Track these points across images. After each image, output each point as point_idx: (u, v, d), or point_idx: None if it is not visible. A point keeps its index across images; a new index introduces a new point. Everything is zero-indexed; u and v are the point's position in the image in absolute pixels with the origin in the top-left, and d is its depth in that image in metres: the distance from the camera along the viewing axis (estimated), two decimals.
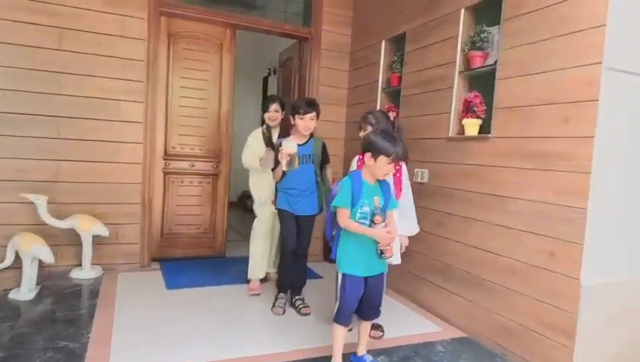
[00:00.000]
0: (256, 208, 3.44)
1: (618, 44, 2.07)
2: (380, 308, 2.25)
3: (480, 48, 2.84)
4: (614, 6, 2.03)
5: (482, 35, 2.82)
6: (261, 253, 3.41)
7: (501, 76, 2.62)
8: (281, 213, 3.01)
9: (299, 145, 2.84)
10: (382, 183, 2.13)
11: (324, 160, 3.06)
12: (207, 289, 3.37)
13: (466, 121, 2.88)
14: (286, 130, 3.24)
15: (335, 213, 2.12)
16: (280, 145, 2.78)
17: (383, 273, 2.22)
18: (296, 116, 2.87)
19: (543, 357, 2.26)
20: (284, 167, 2.77)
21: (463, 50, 2.96)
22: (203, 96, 4.15)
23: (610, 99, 2.07)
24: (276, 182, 3.02)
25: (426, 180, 3.21)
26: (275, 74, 6.92)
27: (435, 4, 3.21)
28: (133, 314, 2.77)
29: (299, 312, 2.96)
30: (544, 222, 2.30)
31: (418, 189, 3.13)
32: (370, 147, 2.03)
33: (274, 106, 3.35)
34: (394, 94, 3.77)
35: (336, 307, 2.17)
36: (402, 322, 2.91)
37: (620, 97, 2.11)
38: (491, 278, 2.62)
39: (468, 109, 2.88)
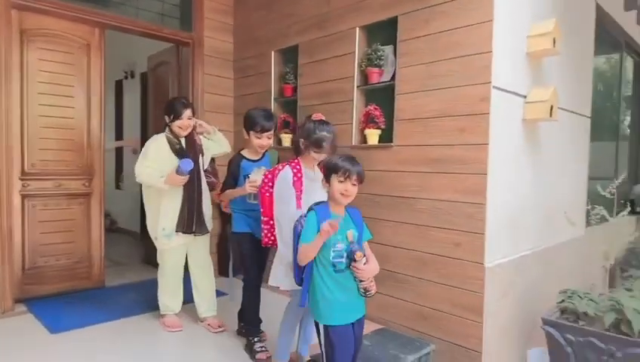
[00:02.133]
0: (160, 241, 2.88)
1: (501, 68, 2.54)
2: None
3: (376, 65, 3.12)
4: (497, 35, 2.48)
5: (378, 53, 3.11)
6: (174, 287, 2.99)
7: (400, 91, 2.93)
8: (240, 238, 2.69)
9: (254, 160, 2.68)
10: (351, 212, 1.96)
11: None
12: (103, 326, 2.94)
13: (367, 131, 3.13)
14: (192, 141, 2.93)
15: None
16: (247, 175, 2.57)
17: (364, 316, 1.97)
18: (252, 133, 2.62)
19: (457, 335, 2.62)
20: (251, 198, 2.59)
21: (360, 65, 3.21)
22: (68, 103, 3.59)
23: (497, 112, 2.53)
24: (222, 203, 2.79)
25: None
26: (132, 77, 6.33)
27: (329, 21, 3.39)
28: None
29: (255, 356, 2.53)
30: (448, 217, 2.67)
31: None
32: (325, 172, 1.93)
33: (188, 113, 2.88)
34: (288, 104, 3.84)
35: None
36: None
37: (503, 111, 2.59)
38: (403, 271, 2.91)
39: (368, 120, 3.14)
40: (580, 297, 2.65)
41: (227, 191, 2.71)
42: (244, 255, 2.70)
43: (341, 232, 1.83)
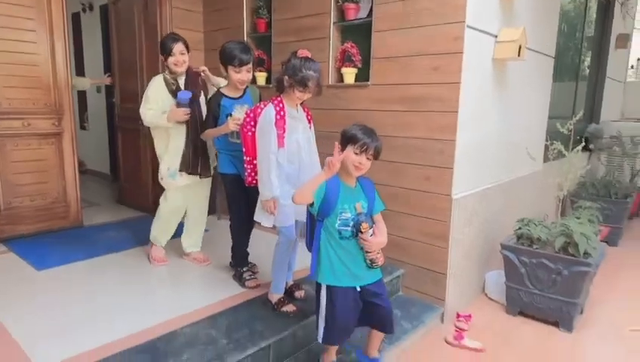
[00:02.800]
0: (165, 181, 2.86)
1: (475, 7, 2.60)
2: (393, 324, 1.95)
3: (353, 1, 3.10)
4: None
5: None
6: (171, 227, 3.02)
7: (377, 29, 2.95)
8: (226, 178, 2.66)
9: (235, 98, 2.58)
10: (364, 183, 1.91)
11: None
12: (89, 262, 3.02)
13: (344, 70, 3.17)
14: (193, 79, 2.86)
15: (313, 219, 1.90)
16: (229, 114, 2.47)
17: (380, 279, 1.94)
18: (230, 67, 2.50)
19: (426, 260, 2.88)
20: (234, 137, 2.50)
21: (336, 0, 3.17)
22: (30, 38, 3.40)
23: (470, 51, 2.62)
24: (204, 140, 2.73)
25: None
26: (91, 10, 5.94)
27: None
28: (17, 307, 2.35)
29: (243, 283, 2.66)
30: (420, 154, 2.83)
31: None
32: (342, 140, 1.84)
33: (179, 47, 2.75)
34: (262, 41, 3.78)
35: (321, 326, 1.88)
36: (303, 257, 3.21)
37: (475, 50, 2.69)
38: None
39: (345, 59, 3.16)
40: (535, 224, 2.94)
41: (208, 130, 2.63)
42: (230, 195, 2.69)
43: (348, 201, 1.81)
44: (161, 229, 3.02)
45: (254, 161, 2.29)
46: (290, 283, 2.55)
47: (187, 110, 2.71)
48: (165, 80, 2.79)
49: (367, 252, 1.83)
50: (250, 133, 2.27)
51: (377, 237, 1.84)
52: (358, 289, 1.86)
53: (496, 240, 3.13)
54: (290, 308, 2.32)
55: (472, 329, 2.63)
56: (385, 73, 2.95)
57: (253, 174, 2.33)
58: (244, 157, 2.34)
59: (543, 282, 2.77)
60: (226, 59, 2.50)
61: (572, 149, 3.17)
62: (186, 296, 2.57)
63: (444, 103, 2.68)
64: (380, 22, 2.94)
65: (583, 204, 3.56)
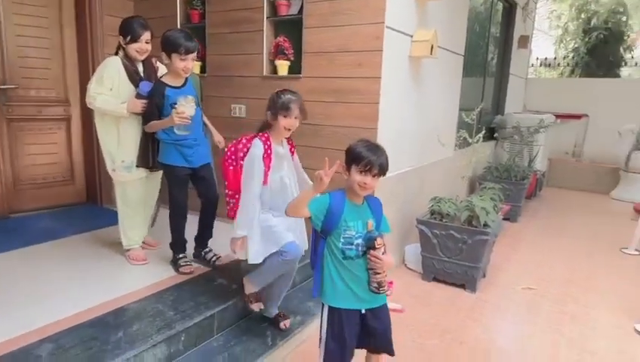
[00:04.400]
0: (118, 173, 2.73)
1: (393, 10, 2.93)
2: (392, 346, 1.81)
3: None
4: None
5: None
6: (141, 219, 2.92)
7: (307, 25, 3.21)
8: (171, 170, 2.59)
9: (177, 87, 2.51)
10: (371, 202, 1.80)
11: (201, 99, 2.73)
12: (21, 251, 3.00)
13: (278, 62, 3.39)
14: (151, 69, 2.76)
15: (318, 237, 1.79)
16: (173, 104, 2.41)
17: (385, 305, 1.80)
18: (174, 55, 2.42)
19: None
20: (180, 129, 2.44)
21: None
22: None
23: (389, 49, 2.96)
24: (148, 133, 2.61)
25: (244, 115, 3.62)
26: None
27: None
28: None
29: (212, 264, 2.75)
30: (347, 141, 3.11)
31: (236, 123, 3.55)
32: (346, 159, 1.74)
33: (146, 35, 2.62)
34: (196, 31, 3.85)
35: (323, 349, 1.76)
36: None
37: (393, 48, 3.03)
38: None
39: (278, 52, 3.38)
40: (445, 202, 3.38)
41: (153, 122, 2.53)
42: (172, 185, 2.65)
43: (353, 219, 1.70)
44: (133, 225, 2.87)
45: (236, 196, 2.21)
46: (276, 312, 2.46)
47: (145, 102, 2.61)
48: (124, 64, 2.62)
49: (376, 273, 1.68)
50: (231, 168, 2.19)
51: (389, 258, 1.71)
52: (363, 311, 1.74)
53: (413, 217, 3.54)
54: (257, 306, 2.35)
55: (393, 295, 3.01)
56: (315, 66, 3.22)
57: (235, 208, 2.22)
58: (226, 191, 2.25)
59: (452, 251, 3.22)
60: (171, 47, 2.42)
61: (475, 138, 3.65)
62: (131, 276, 2.67)
63: (367, 95, 3.01)
64: (309, 19, 3.19)
65: (487, 185, 4.10)
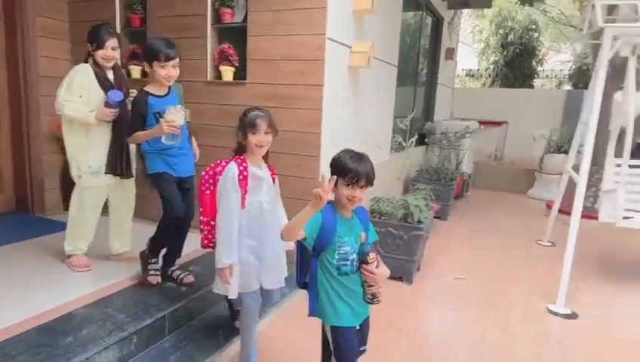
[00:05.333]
0: (84, 180, 2.67)
1: (333, 22, 3.13)
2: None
3: (229, 6, 3.41)
4: None
5: None
6: (91, 227, 2.79)
7: (252, 34, 3.32)
8: (160, 177, 2.47)
9: (161, 96, 2.44)
10: (359, 213, 1.77)
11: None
12: None
13: (222, 68, 3.47)
14: (122, 77, 2.73)
15: (304, 253, 1.76)
16: (156, 113, 2.34)
17: (369, 316, 1.82)
18: (155, 63, 2.35)
19: None
20: (169, 139, 2.37)
21: (213, 4, 3.44)
22: None
23: (330, 59, 3.15)
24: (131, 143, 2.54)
25: (188, 119, 3.61)
26: None
27: None
28: None
29: (181, 282, 2.60)
30: (293, 144, 3.28)
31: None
32: (332, 172, 1.67)
33: (113, 42, 2.61)
34: (137, 35, 3.84)
35: None
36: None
37: (334, 58, 3.23)
38: None
39: (222, 58, 3.46)
40: (383, 201, 3.63)
41: (138, 133, 2.44)
42: (165, 194, 2.48)
43: (346, 234, 1.67)
44: (81, 233, 2.79)
45: (212, 222, 2.12)
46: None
47: (115, 110, 2.60)
48: (95, 71, 2.62)
49: (370, 286, 1.68)
50: (208, 192, 2.09)
51: (382, 268, 1.70)
52: (357, 327, 1.75)
53: None
54: None
55: None
56: (260, 73, 3.34)
57: (210, 236, 2.15)
58: (201, 218, 2.14)
59: (390, 246, 3.46)
60: (151, 56, 2.37)
61: (409, 142, 3.95)
62: (77, 283, 2.61)
63: (311, 102, 3.18)
64: (254, 27, 3.31)
65: (419, 186, 4.43)
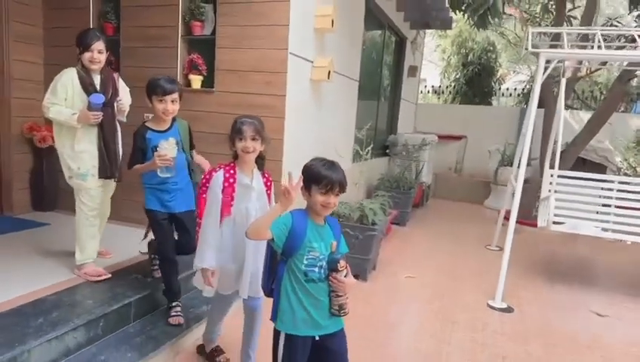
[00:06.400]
0: (74, 181, 2.71)
1: (295, 39, 3.42)
2: None
3: (199, 20, 3.65)
4: (293, 12, 3.34)
5: (200, 10, 3.63)
6: (92, 234, 2.78)
7: (220, 46, 3.57)
8: (151, 215, 2.52)
9: (161, 131, 2.47)
10: (331, 222, 1.76)
11: (191, 145, 2.69)
12: None
13: (191, 77, 3.69)
14: (108, 80, 2.77)
15: (273, 258, 1.76)
16: (154, 147, 2.38)
17: (342, 329, 1.76)
18: (154, 98, 2.41)
19: None
20: (163, 172, 2.43)
21: (184, 18, 3.68)
22: None
23: (292, 72, 3.43)
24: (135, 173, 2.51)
25: None
26: None
27: None
28: None
29: (169, 319, 2.55)
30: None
31: None
32: (305, 179, 1.69)
33: (99, 45, 2.66)
34: (110, 43, 3.97)
35: None
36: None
37: (296, 71, 3.51)
38: None
39: (192, 67, 3.69)
40: (342, 205, 3.91)
41: (136, 166, 2.48)
42: (153, 231, 2.58)
43: (316, 240, 1.67)
44: (90, 237, 2.78)
45: None
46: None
47: (98, 114, 2.63)
48: (80, 75, 2.66)
49: (337, 296, 1.66)
50: (204, 196, 2.13)
51: (350, 278, 1.69)
52: (317, 338, 1.70)
53: None
54: (223, 358, 2.34)
55: None
56: (228, 82, 3.58)
57: None
58: (197, 220, 2.18)
59: (347, 246, 3.72)
60: (150, 90, 2.43)
61: (365, 150, 4.26)
62: (48, 272, 2.74)
63: (275, 110, 3.44)
64: (222, 40, 3.56)
65: (379, 193, 4.73)
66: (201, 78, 3.69)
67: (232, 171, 2.07)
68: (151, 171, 2.45)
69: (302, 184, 1.64)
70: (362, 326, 2.94)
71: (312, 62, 3.78)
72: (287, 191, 1.57)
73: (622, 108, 9.74)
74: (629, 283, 4.29)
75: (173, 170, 2.46)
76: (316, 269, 1.65)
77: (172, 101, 2.43)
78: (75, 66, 2.72)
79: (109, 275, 2.74)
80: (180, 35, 3.68)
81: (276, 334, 1.73)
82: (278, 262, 1.72)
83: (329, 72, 3.79)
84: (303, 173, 1.70)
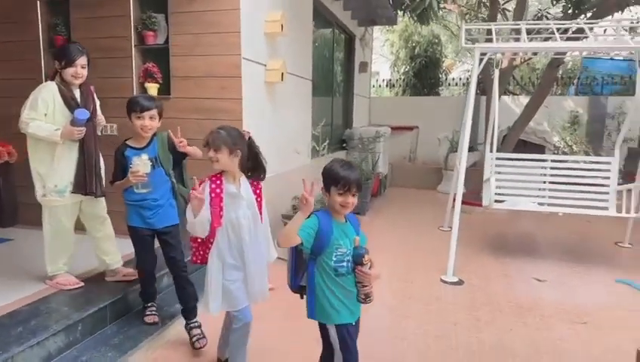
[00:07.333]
0: (49, 199, 2.67)
1: (247, 44, 3.59)
2: None
3: (151, 29, 3.75)
4: (244, 19, 3.51)
5: (152, 20, 3.73)
6: (68, 245, 2.81)
7: (174, 54, 3.69)
8: (133, 232, 2.54)
9: (138, 148, 2.48)
10: (350, 219, 1.89)
11: (178, 155, 2.60)
12: None
13: (147, 85, 3.78)
14: (87, 94, 2.77)
15: (299, 257, 1.86)
16: (129, 163, 2.40)
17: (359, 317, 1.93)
18: (133, 115, 2.44)
19: None
20: (139, 188, 2.44)
21: (136, 28, 3.76)
22: None
23: (247, 76, 3.60)
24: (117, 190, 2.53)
25: (115, 133, 3.89)
26: None
27: None
28: None
29: (193, 345, 2.48)
30: None
31: (108, 140, 3.79)
32: (324, 181, 1.80)
33: (83, 60, 2.64)
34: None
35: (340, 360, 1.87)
36: None
37: (250, 75, 3.68)
38: None
39: (147, 75, 3.78)
40: None
41: (116, 183, 2.51)
42: (136, 246, 2.62)
43: (342, 237, 1.80)
44: (59, 252, 2.80)
45: (198, 239, 2.18)
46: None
47: (82, 129, 2.63)
48: (60, 90, 2.63)
49: (363, 286, 1.80)
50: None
51: (375, 270, 1.81)
52: (353, 324, 1.88)
53: (279, 213, 4.21)
54: None
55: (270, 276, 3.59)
56: (184, 89, 3.71)
57: (197, 254, 2.21)
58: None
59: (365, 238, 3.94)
60: (129, 108, 2.47)
61: (321, 146, 4.49)
62: (17, 285, 2.79)
63: (232, 114, 3.60)
64: (175, 48, 3.68)
65: None
66: (157, 85, 3.79)
67: (218, 181, 2.08)
68: (130, 188, 2.48)
69: (316, 186, 1.74)
70: None
71: (265, 65, 3.96)
72: (305, 199, 1.67)
73: (559, 92, 10.52)
74: (564, 251, 4.77)
75: (150, 186, 2.46)
76: (344, 264, 1.79)
77: (150, 117, 2.46)
78: (54, 81, 2.68)
79: (82, 284, 2.80)
80: (133, 45, 3.76)
81: (323, 328, 1.88)
82: (306, 260, 1.84)
83: (282, 74, 3.98)
84: (322, 175, 1.84)
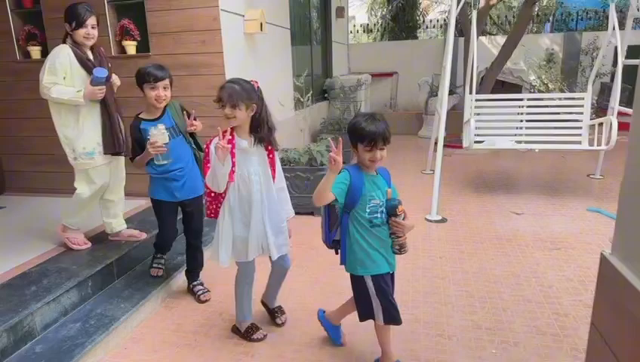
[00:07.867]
0: (81, 162, 2.66)
1: None
2: None
3: None
4: None
5: None
6: (92, 208, 2.84)
7: (150, 9, 3.60)
8: (157, 204, 2.55)
9: (153, 120, 2.44)
10: (382, 172, 1.91)
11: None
12: None
13: (125, 43, 3.71)
14: (102, 54, 2.74)
15: (332, 213, 1.89)
16: (144, 136, 2.36)
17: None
18: (146, 85, 2.38)
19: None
20: (159, 160, 2.39)
21: None
22: None
23: (226, 28, 3.56)
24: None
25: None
26: None
27: None
28: None
29: (198, 299, 2.68)
30: (203, 108, 3.67)
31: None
32: (350, 138, 1.79)
33: (92, 20, 2.59)
34: (32, 16, 3.88)
35: (380, 311, 1.88)
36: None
37: (230, 27, 3.64)
38: None
39: (124, 33, 3.70)
40: (291, 151, 4.22)
41: (137, 158, 2.47)
42: (158, 222, 2.65)
43: (374, 189, 1.82)
44: (82, 214, 2.84)
45: (212, 194, 2.18)
46: (275, 305, 2.50)
47: (103, 88, 2.60)
48: (75, 52, 2.58)
49: (397, 237, 1.82)
50: (209, 165, 2.08)
51: (409, 221, 1.84)
52: (392, 273, 1.93)
53: None
54: (260, 334, 2.31)
55: None
56: (163, 45, 3.65)
57: (211, 207, 2.21)
58: (205, 189, 2.22)
59: (300, 188, 4.08)
60: (142, 79, 2.40)
61: (305, 97, 4.52)
62: (21, 249, 2.87)
63: (213, 68, 3.59)
64: (151, 3, 3.59)
65: (323, 136, 5.07)
66: (135, 43, 3.72)
67: (229, 136, 2.00)
68: (151, 160, 2.43)
69: (340, 145, 1.70)
70: (317, 253, 3.37)
71: (244, 15, 3.90)
72: (334, 159, 1.67)
73: (535, 30, 10.54)
74: (540, 185, 5.04)
75: (170, 157, 2.42)
76: (378, 215, 1.82)
77: (164, 87, 2.42)
78: (66, 43, 2.62)
79: (89, 244, 2.88)
80: (105, 1, 3.64)
81: (360, 281, 1.89)
82: (339, 215, 1.87)
83: (261, 24, 3.93)
84: (348, 133, 1.83)
